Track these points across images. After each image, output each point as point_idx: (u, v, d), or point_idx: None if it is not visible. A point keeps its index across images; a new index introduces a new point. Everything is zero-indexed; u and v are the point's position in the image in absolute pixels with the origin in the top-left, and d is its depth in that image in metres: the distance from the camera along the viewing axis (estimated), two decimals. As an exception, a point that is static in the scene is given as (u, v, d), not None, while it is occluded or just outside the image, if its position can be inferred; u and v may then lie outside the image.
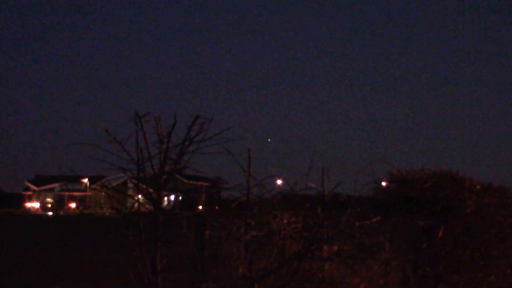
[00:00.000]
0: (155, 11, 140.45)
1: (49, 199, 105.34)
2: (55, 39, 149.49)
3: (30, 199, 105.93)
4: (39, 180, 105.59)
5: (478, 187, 12.69)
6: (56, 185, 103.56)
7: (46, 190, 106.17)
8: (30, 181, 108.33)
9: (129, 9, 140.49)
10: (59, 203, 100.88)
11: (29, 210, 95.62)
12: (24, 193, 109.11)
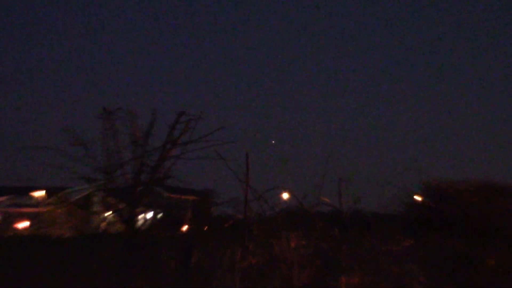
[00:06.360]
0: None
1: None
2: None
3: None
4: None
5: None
6: (2, 199, 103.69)
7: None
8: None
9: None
10: (6, 222, 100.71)
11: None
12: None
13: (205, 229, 11.49)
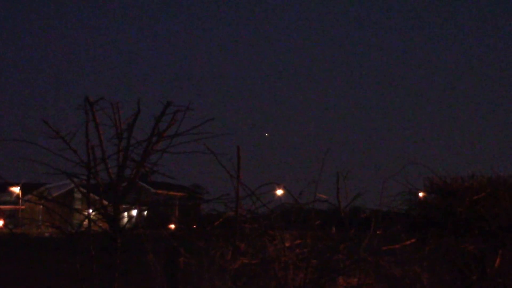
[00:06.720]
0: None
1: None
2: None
3: None
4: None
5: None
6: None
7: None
8: None
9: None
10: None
11: None
12: None
13: (193, 228, 11.42)
